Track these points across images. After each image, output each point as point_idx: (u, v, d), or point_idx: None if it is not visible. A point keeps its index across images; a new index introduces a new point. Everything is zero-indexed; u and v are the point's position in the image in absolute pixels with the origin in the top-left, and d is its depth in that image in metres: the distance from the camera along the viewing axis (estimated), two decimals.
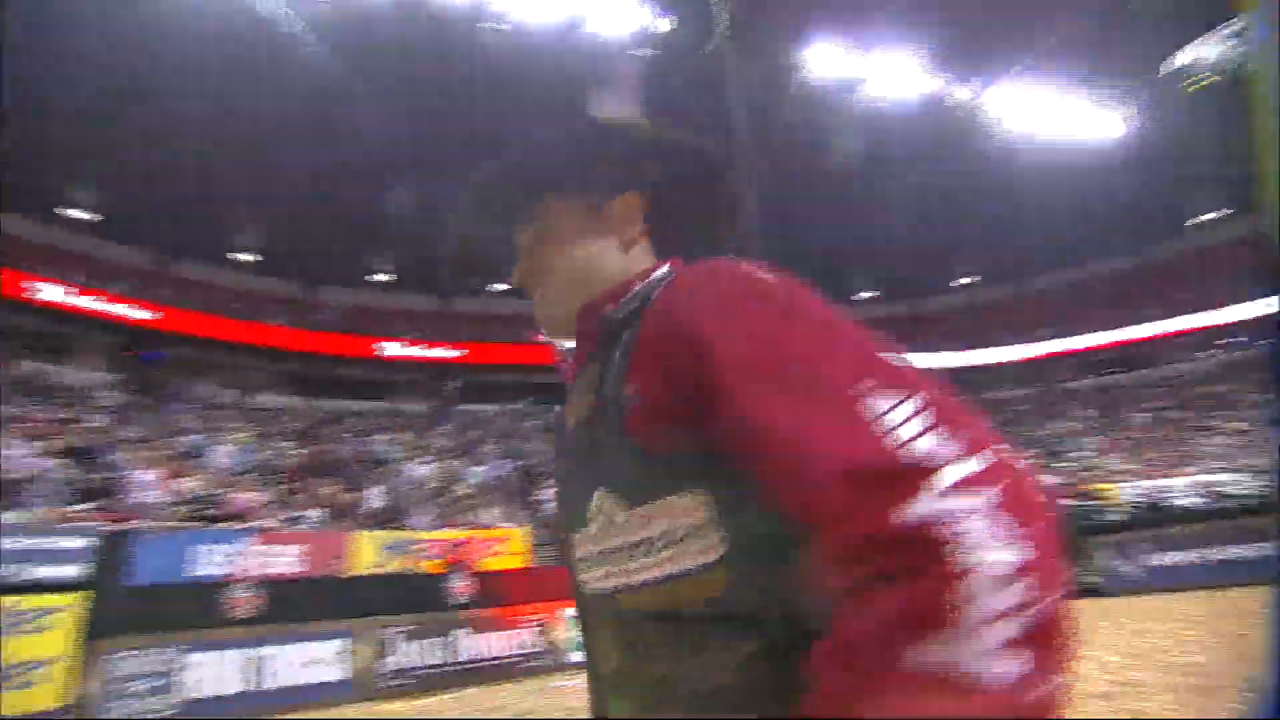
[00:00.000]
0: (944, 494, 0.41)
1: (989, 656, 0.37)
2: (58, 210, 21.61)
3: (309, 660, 6.97)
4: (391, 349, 21.95)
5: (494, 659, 8.04)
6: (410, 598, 7.88)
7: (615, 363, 0.63)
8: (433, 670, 7.63)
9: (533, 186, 0.74)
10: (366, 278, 25.50)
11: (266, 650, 6.82)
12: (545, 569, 9.32)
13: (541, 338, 0.79)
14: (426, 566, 8.32)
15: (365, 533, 8.47)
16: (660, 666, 0.59)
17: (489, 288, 27.27)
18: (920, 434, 0.44)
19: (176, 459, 9.48)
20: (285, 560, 7.50)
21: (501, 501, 12.11)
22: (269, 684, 6.68)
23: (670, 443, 0.56)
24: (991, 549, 0.39)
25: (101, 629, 6.33)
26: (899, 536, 0.40)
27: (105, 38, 16.71)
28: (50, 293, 17.75)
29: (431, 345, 22.61)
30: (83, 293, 18.54)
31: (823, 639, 0.44)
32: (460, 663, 7.83)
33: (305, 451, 12.53)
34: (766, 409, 0.48)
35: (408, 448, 15.33)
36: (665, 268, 0.71)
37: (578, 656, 8.28)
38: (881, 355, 0.51)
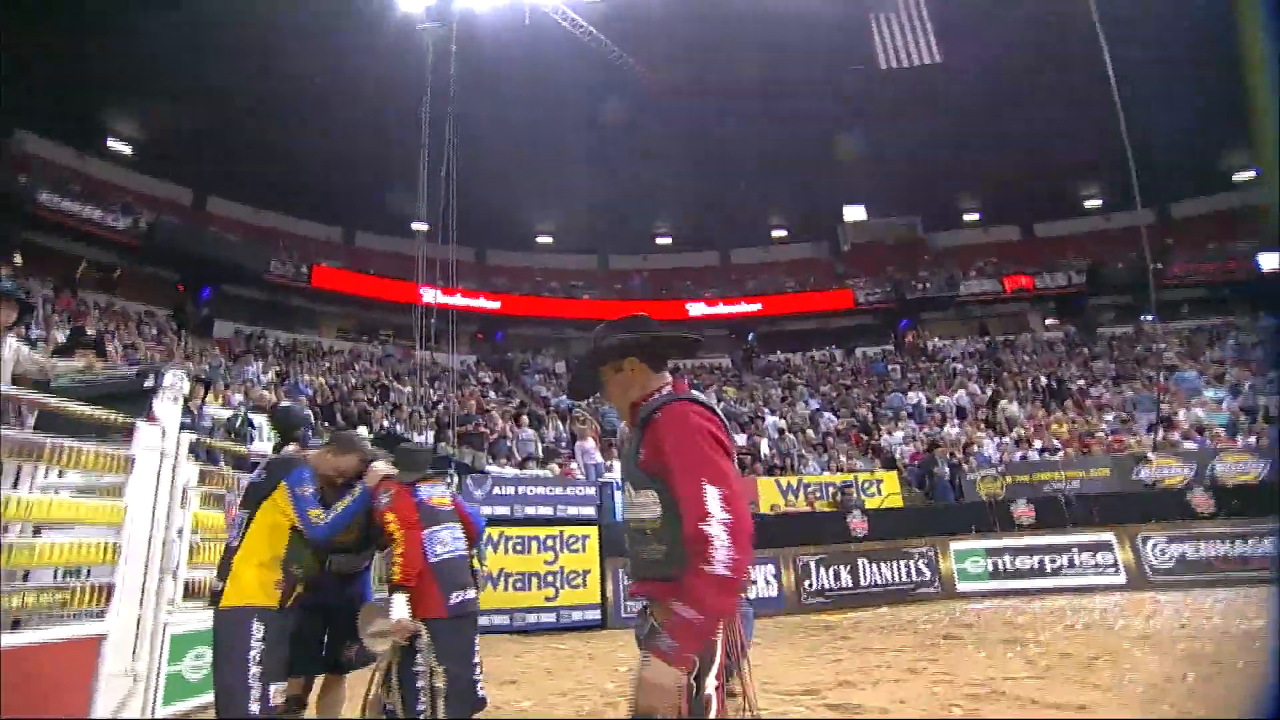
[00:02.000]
0: (715, 524, 1.36)
1: (726, 567, 1.32)
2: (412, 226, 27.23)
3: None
4: (696, 309, 23.99)
5: (890, 585, 9.10)
6: (818, 531, 9.26)
7: (639, 434, 1.58)
8: (844, 592, 8.94)
9: (594, 363, 1.73)
10: (655, 242, 28.09)
11: None
12: (918, 509, 10.08)
13: None
14: (820, 506, 9.63)
15: (765, 478, 10.11)
16: (637, 549, 1.58)
17: (774, 234, 28.22)
18: (717, 500, 1.39)
19: (590, 421, 11.91)
20: None
21: (845, 445, 13.06)
22: None
23: (648, 472, 1.53)
24: (724, 542, 1.34)
25: (609, 551, 8.63)
26: (701, 534, 1.36)
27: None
28: (429, 295, 22.86)
29: (729, 302, 24.15)
30: (446, 292, 23.43)
31: (686, 571, 1.38)
32: (864, 587, 9.03)
33: None
34: (679, 482, 1.45)
35: (735, 399, 17.08)
36: (668, 386, 1.66)
37: (965, 586, 9.07)
38: (719, 459, 1.46)
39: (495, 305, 23.53)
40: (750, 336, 24.41)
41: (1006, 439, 11.98)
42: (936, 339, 22.60)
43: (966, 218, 27.48)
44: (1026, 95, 21.26)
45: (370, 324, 24.38)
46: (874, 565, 9.14)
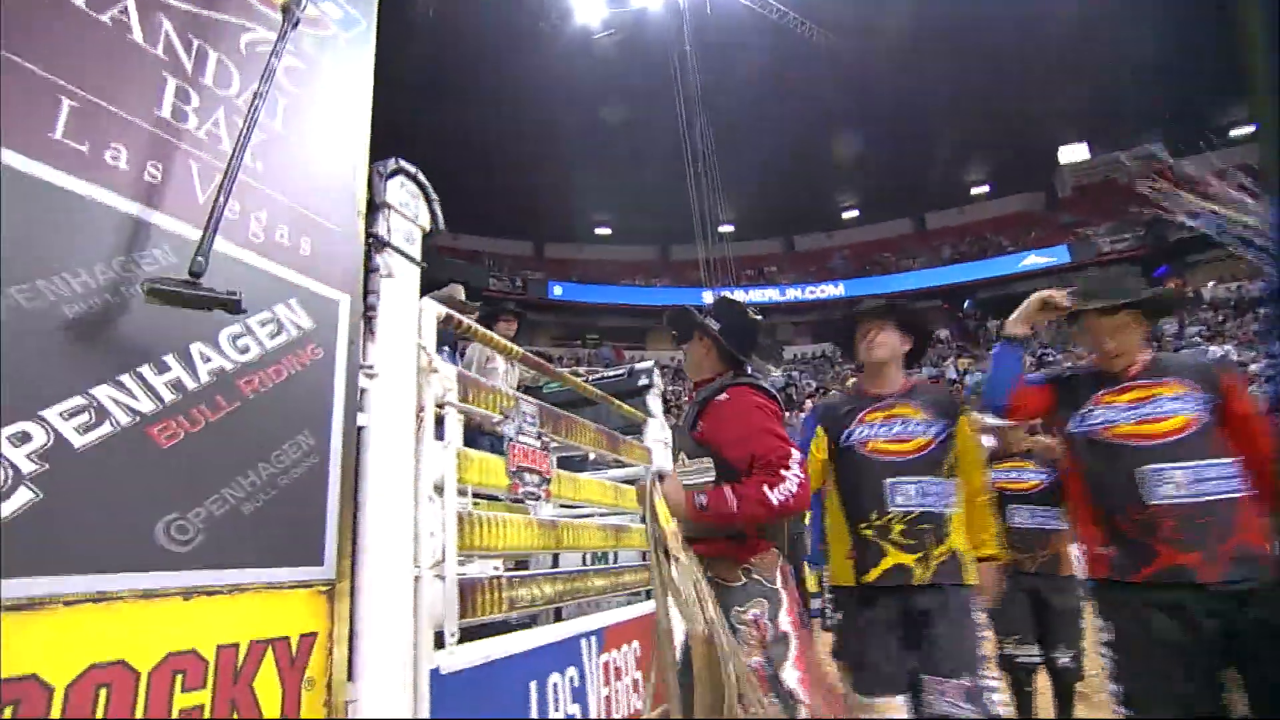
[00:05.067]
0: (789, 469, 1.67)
1: (777, 493, 1.59)
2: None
3: None
4: (903, 281, 22.69)
5: None
6: None
7: (697, 410, 1.83)
8: None
9: (680, 331, 2.01)
10: (842, 216, 27.11)
11: None
12: None
13: None
14: None
15: None
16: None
17: (973, 191, 26.03)
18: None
19: None
20: None
21: None
22: None
23: (703, 441, 1.77)
24: (791, 488, 1.62)
25: None
26: (776, 471, 1.68)
27: None
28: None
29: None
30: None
31: (748, 479, 1.67)
32: None
33: None
34: (729, 455, 1.71)
35: (972, 371, 15.79)
36: (730, 374, 1.89)
37: None
38: (768, 427, 1.71)
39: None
40: (967, 304, 22.47)
41: None
42: (1211, 283, 19.24)
43: (1234, 133, 23.08)
44: None
45: (575, 329, 25.79)
46: None
